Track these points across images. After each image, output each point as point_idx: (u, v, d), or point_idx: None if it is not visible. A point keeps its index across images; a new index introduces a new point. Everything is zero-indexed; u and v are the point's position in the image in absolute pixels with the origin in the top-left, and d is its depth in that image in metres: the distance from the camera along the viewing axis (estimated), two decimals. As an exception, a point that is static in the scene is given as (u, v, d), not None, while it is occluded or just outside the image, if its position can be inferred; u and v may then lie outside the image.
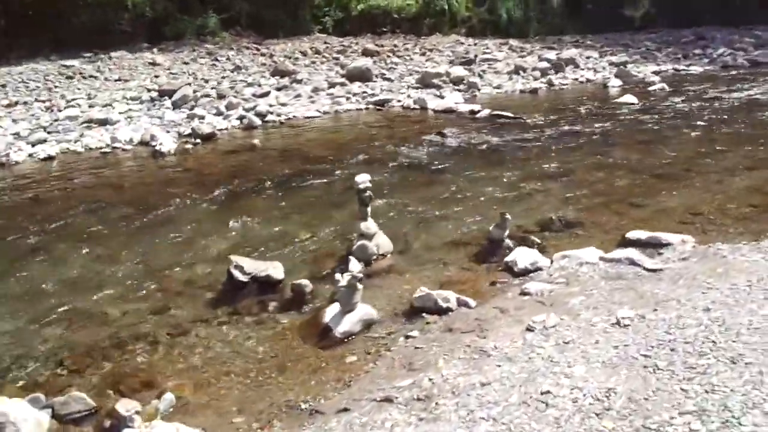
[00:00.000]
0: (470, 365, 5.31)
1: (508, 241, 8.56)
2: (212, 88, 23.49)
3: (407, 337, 6.36)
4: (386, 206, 10.93)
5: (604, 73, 26.13)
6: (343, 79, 24.29)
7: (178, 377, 6.19)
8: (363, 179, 8.39)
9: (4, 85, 25.90)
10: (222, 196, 12.31)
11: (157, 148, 17.00)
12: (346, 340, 6.49)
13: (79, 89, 25.44)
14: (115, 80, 26.66)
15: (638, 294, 6.20)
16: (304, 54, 29.50)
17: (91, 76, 27.07)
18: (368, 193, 8.44)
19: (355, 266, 8.00)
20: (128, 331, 7.26)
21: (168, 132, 18.74)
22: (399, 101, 21.68)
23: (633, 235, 8.24)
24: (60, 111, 21.60)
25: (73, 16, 28.57)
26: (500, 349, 5.50)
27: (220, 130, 19.10)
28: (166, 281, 8.50)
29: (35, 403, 5.53)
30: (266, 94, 22.62)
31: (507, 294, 7.08)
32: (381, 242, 8.70)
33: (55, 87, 25.90)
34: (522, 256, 7.82)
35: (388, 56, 28.82)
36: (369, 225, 8.54)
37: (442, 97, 21.72)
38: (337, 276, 7.34)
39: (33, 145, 17.94)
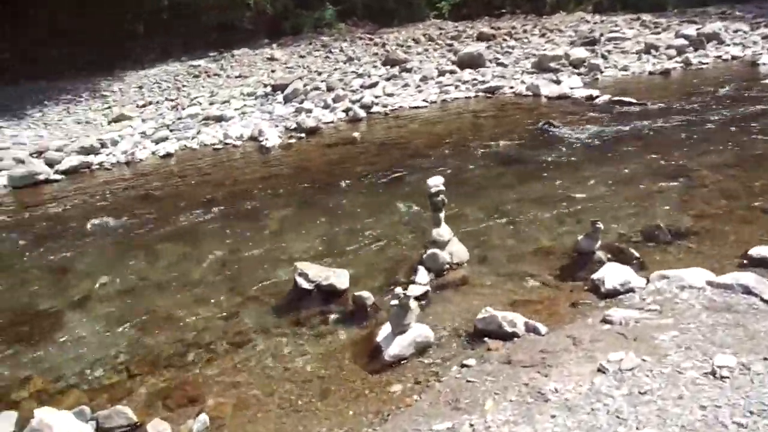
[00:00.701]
0: (521, 411, 4.54)
1: (600, 254, 7.49)
2: (322, 81, 23.67)
3: (462, 366, 5.67)
4: (474, 207, 10.16)
5: (755, 49, 22.81)
6: (453, 67, 23.42)
7: (222, 394, 6.00)
8: (435, 183, 7.72)
9: (141, 87, 28.08)
10: (312, 193, 12.21)
11: (263, 143, 17.47)
12: (395, 364, 5.94)
13: (203, 87, 26.90)
14: (236, 77, 27.86)
15: (747, 334, 5.00)
16: (416, 41, 28.91)
17: (215, 74, 28.52)
18: (441, 197, 7.76)
19: (422, 277, 7.40)
20: (193, 337, 7.27)
21: (276, 126, 19.17)
22: (511, 88, 20.43)
23: (758, 251, 6.82)
24: (183, 109, 22.92)
25: (201, 17, 30.18)
26: (561, 393, 4.65)
27: (325, 123, 19.22)
28: (243, 284, 8.45)
29: (80, 416, 5.58)
30: (374, 85, 22.37)
31: (586, 320, 6.12)
32: (456, 250, 8.00)
33: (183, 86, 27.59)
34: (611, 274, 6.76)
35: (504, 40, 27.38)
36: (441, 232, 7.87)
37: (558, 82, 20.13)
38: (398, 290, 6.77)
39: (156, 143, 19.15)
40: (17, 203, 15.18)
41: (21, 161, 17.23)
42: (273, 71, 27.05)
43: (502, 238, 8.76)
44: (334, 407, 5.49)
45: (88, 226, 11.87)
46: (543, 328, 6.01)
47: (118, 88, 28.07)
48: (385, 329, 6.20)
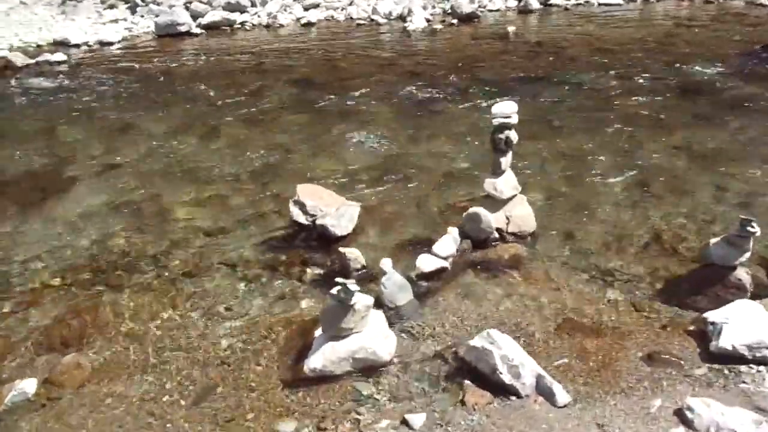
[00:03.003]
0: None
1: (743, 274, 4.49)
2: (505, -38, 19.94)
3: (403, 423, 3.48)
4: (590, 153, 7.26)
5: None
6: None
7: (93, 347, 4.50)
8: (501, 110, 5.09)
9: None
10: (406, 94, 9.90)
11: (407, 26, 15.19)
12: (315, 381, 3.91)
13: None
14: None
15: None
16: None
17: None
18: (507, 134, 5.13)
19: (444, 247, 5.06)
20: (162, 248, 5.86)
21: (429, 7, 16.59)
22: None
23: None
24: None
25: None
26: None
27: (490, 10, 16.25)
28: (257, 194, 6.84)
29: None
30: (565, -27, 18.25)
31: (652, 401, 3.52)
32: (518, 215, 5.44)
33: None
34: (737, 322, 3.89)
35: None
36: (500, 184, 5.32)
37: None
38: (385, 263, 4.61)
39: (306, 10, 17.67)
40: (148, 49, 14.85)
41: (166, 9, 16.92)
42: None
43: (604, 211, 5.93)
44: (194, 420, 3.70)
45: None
46: (563, 396, 3.54)
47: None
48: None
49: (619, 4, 15.81)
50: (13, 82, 12.32)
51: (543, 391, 3.59)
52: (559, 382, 3.63)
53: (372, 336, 3.95)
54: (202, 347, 4.41)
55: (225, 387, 3.99)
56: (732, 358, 3.80)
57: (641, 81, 9.63)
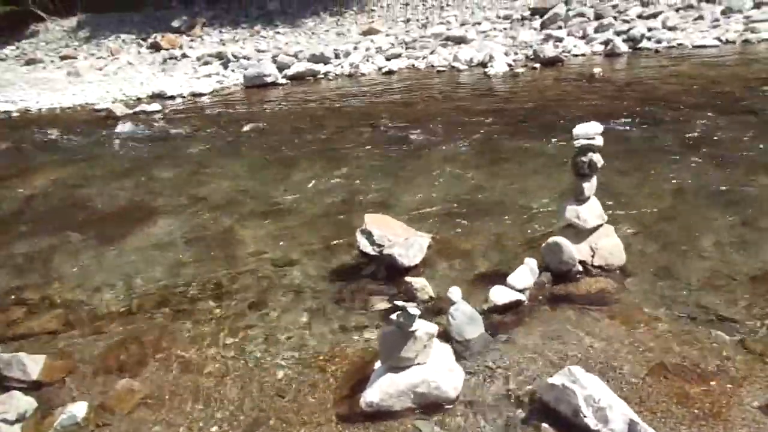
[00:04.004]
0: None
1: None
2: (591, 7, 19.65)
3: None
4: (690, 190, 6.59)
5: None
6: (778, -3, 17.23)
7: (149, 373, 4.34)
8: (585, 131, 4.68)
9: (407, 4, 27.21)
10: (486, 133, 9.62)
11: (488, 70, 15.08)
12: (370, 417, 3.53)
13: (467, 8, 24.85)
14: (503, -1, 25.17)
15: None
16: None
17: (481, -6, 26.15)
18: (590, 156, 4.70)
19: (520, 278, 4.61)
20: (229, 278, 5.76)
21: (512, 53, 16.47)
22: None
23: None
24: (429, 28, 21.35)
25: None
26: None
27: (575, 54, 15.93)
28: (328, 227, 6.70)
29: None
30: (655, 15, 17.73)
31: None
32: (604, 246, 4.92)
33: (448, 5, 25.90)
34: None
35: None
36: (584, 212, 4.85)
37: None
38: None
39: (388, 59, 18.09)
40: (235, 98, 15.53)
41: (254, 63, 17.76)
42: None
43: (706, 247, 5.27)
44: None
45: (246, 128, 11.29)
46: (661, 446, 2.96)
47: (386, 3, 27.60)
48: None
49: (715, 45, 15.00)
50: (111, 129, 13.12)
51: (636, 439, 3.03)
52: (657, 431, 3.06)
53: (436, 369, 3.54)
54: (256, 377, 4.15)
55: (276, 419, 3.68)
56: None
57: (743, 117, 8.85)
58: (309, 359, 4.30)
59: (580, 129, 4.72)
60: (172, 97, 16.35)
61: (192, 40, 25.50)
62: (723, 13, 17.10)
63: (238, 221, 7.13)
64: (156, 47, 23.92)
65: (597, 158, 4.74)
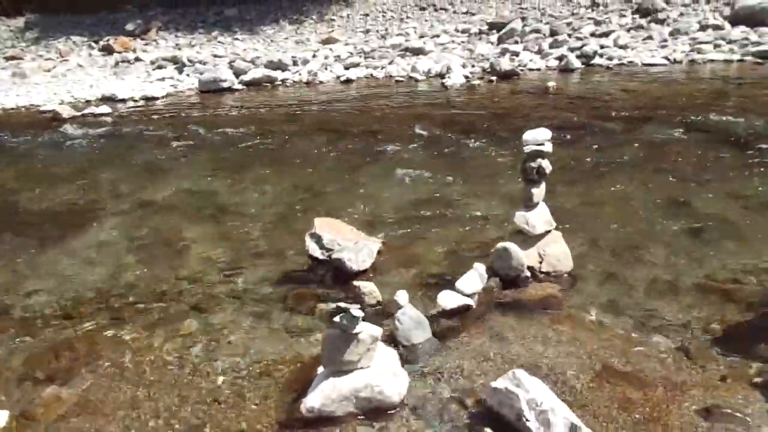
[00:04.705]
0: None
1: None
2: (546, 24, 20.13)
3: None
4: (637, 198, 6.72)
5: None
6: (720, 21, 17.94)
7: (75, 380, 4.11)
8: (534, 137, 4.70)
9: (367, 15, 27.36)
10: (440, 140, 9.64)
11: (445, 81, 15.19)
12: (312, 423, 3.41)
13: (426, 20, 25.14)
14: (463, 13, 25.50)
15: None
16: (688, -9, 23.13)
17: (442, 8, 26.47)
18: (539, 162, 4.72)
19: (468, 283, 4.57)
20: (172, 283, 5.56)
21: (469, 66, 16.66)
22: (799, 54, 14.81)
23: None
24: (388, 38, 21.47)
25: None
26: None
27: (531, 69, 16.22)
28: (277, 232, 6.57)
29: None
30: (607, 34, 18.24)
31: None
32: (552, 252, 4.94)
33: (408, 17, 26.16)
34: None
35: (814, -5, 20.30)
36: (532, 217, 4.86)
37: None
38: (400, 296, 4.15)
39: (347, 68, 18.03)
40: (189, 103, 15.21)
41: (210, 68, 17.47)
42: (502, 12, 24.01)
43: (652, 255, 5.35)
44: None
45: (199, 132, 11.05)
46: (601, 449, 2.93)
47: (346, 14, 27.66)
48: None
49: (663, 64, 15.51)
50: (57, 131, 12.64)
51: (578, 443, 3.00)
52: (598, 435, 3.04)
53: (380, 373, 3.45)
54: (195, 384, 3.98)
55: (212, 427, 3.51)
56: (811, 415, 3.14)
57: (689, 132, 9.11)
58: (251, 365, 4.15)
59: (529, 135, 4.74)
60: (123, 101, 15.90)
61: (146, 44, 24.98)
62: (671, 34, 17.72)
63: (185, 225, 6.91)
64: (108, 50, 23.32)
65: (546, 164, 4.76)
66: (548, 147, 4.72)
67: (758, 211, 6.12)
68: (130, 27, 26.30)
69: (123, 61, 21.18)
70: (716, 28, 17.66)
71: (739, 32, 17.01)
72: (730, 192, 6.67)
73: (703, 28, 17.96)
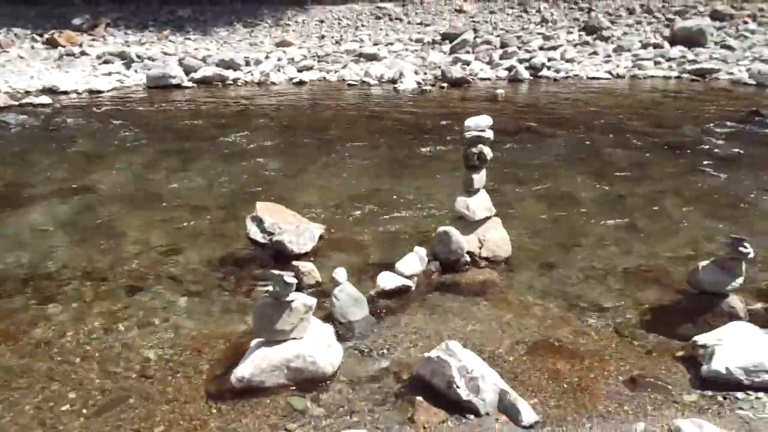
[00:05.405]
0: None
1: (736, 301, 4.02)
2: (497, 36, 20.61)
3: (339, 436, 2.91)
4: (576, 190, 6.92)
5: None
6: (661, 41, 18.78)
7: (19, 348, 3.92)
8: (476, 123, 4.78)
9: (322, 21, 27.42)
10: (390, 139, 9.70)
11: (397, 86, 15.33)
12: (241, 394, 3.33)
13: (380, 29, 25.34)
14: (417, 23, 25.87)
15: None
16: (630, 12, 24.11)
17: (397, 18, 26.81)
18: (480, 148, 4.80)
19: (408, 265, 4.58)
20: (106, 264, 5.34)
21: (421, 73, 16.86)
22: (729, 73, 15.63)
23: None
24: (343, 44, 21.54)
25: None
26: None
27: (481, 78, 16.54)
28: (220, 218, 6.42)
29: None
30: (555, 48, 18.80)
31: (635, 425, 3.02)
32: (492, 238, 5.01)
33: (363, 25, 26.32)
34: (731, 345, 3.38)
35: (745, 22, 21.47)
36: (473, 203, 4.93)
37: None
38: (338, 273, 4.13)
39: (300, 71, 17.94)
40: (136, 97, 14.82)
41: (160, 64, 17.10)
42: (455, 24, 24.45)
43: (588, 244, 5.51)
44: (91, 430, 3.10)
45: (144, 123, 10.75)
46: (529, 415, 2.99)
47: (301, 19, 27.61)
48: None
49: (607, 78, 16.09)
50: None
51: (506, 408, 3.03)
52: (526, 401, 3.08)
53: (313, 343, 3.41)
54: (123, 359, 3.84)
55: (138, 398, 3.40)
56: (727, 383, 3.27)
57: (628, 137, 9.47)
58: (184, 341, 4.04)
59: (471, 121, 4.82)
60: (66, 93, 15.35)
61: (94, 40, 24.23)
62: (615, 50, 18.43)
63: (125, 211, 6.70)
64: (52, 43, 22.51)
65: (487, 150, 4.84)
66: (489, 133, 4.81)
67: (685, 207, 6.40)
68: (77, 21, 25.51)
69: (68, 55, 20.47)
70: (656, 46, 18.47)
71: (677, 51, 17.85)
72: (661, 189, 6.95)
73: (644, 46, 18.77)
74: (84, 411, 3.30)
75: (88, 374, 3.65)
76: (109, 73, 17.87)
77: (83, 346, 3.99)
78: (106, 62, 19.33)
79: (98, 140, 10.06)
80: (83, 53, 20.52)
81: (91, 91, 15.62)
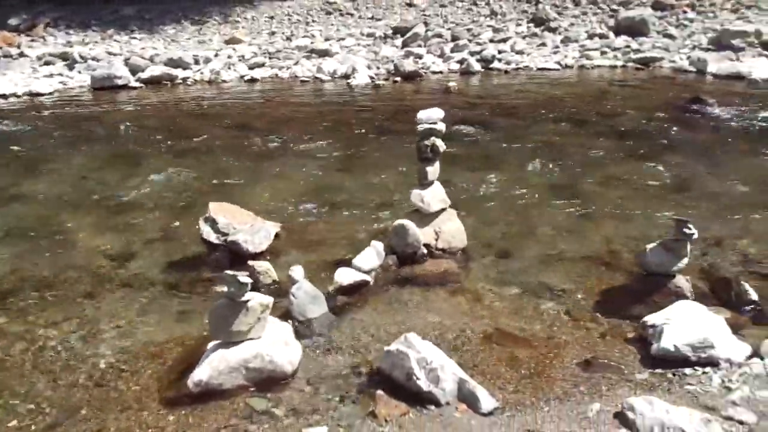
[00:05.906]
0: None
1: (682, 280, 4.17)
2: (448, 29, 20.75)
3: (300, 434, 2.88)
4: (527, 180, 7.04)
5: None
6: (606, 31, 19.25)
7: None
8: (428, 116, 4.80)
9: (272, 17, 27.06)
10: (343, 134, 9.67)
11: (350, 81, 15.26)
12: (200, 398, 3.28)
13: (332, 24, 25.20)
14: (368, 18, 25.82)
15: None
16: (576, 3, 24.60)
17: (348, 13, 26.70)
18: (433, 141, 4.82)
19: (366, 260, 4.58)
20: (55, 272, 5.16)
21: (374, 67, 16.83)
22: (671, 62, 16.11)
23: None
24: (294, 40, 21.34)
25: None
26: None
27: (433, 72, 16.59)
28: (172, 221, 6.27)
29: None
30: (504, 40, 19.03)
31: (590, 406, 3.08)
32: (447, 230, 5.05)
33: (313, 21, 26.12)
34: (678, 323, 3.51)
35: (684, 11, 22.21)
36: (427, 195, 4.95)
37: (738, 60, 15.42)
38: (295, 271, 4.09)
39: (251, 68, 17.66)
40: (80, 99, 14.35)
41: (103, 64, 16.60)
42: (406, 18, 24.49)
43: (541, 233, 5.61)
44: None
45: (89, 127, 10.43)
46: (488, 402, 3.03)
47: (251, 16, 27.21)
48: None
49: (556, 69, 16.39)
50: None
51: (465, 397, 3.07)
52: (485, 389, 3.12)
53: (271, 342, 3.37)
54: (74, 369, 3.72)
55: (91, 409, 3.30)
56: (675, 361, 3.38)
57: (578, 126, 9.67)
58: (137, 348, 3.94)
59: (423, 114, 4.84)
60: (4, 96, 14.75)
61: (33, 40, 23.34)
62: (562, 41, 18.76)
63: (71, 217, 6.48)
64: (-12, 45, 21.58)
65: (439, 143, 4.87)
66: (441, 126, 4.84)
67: (634, 194, 6.58)
68: (13, 22, 24.52)
69: (4, 56, 19.65)
70: (602, 36, 18.89)
71: (622, 41, 18.30)
72: (611, 176, 7.13)
73: (590, 36, 19.16)
74: (33, 427, 3.18)
75: (37, 387, 3.52)
76: (51, 75, 17.24)
77: (32, 358, 3.85)
78: (47, 63, 18.63)
79: (41, 145, 9.70)
80: (22, 54, 19.75)
81: (31, 94, 15.04)
